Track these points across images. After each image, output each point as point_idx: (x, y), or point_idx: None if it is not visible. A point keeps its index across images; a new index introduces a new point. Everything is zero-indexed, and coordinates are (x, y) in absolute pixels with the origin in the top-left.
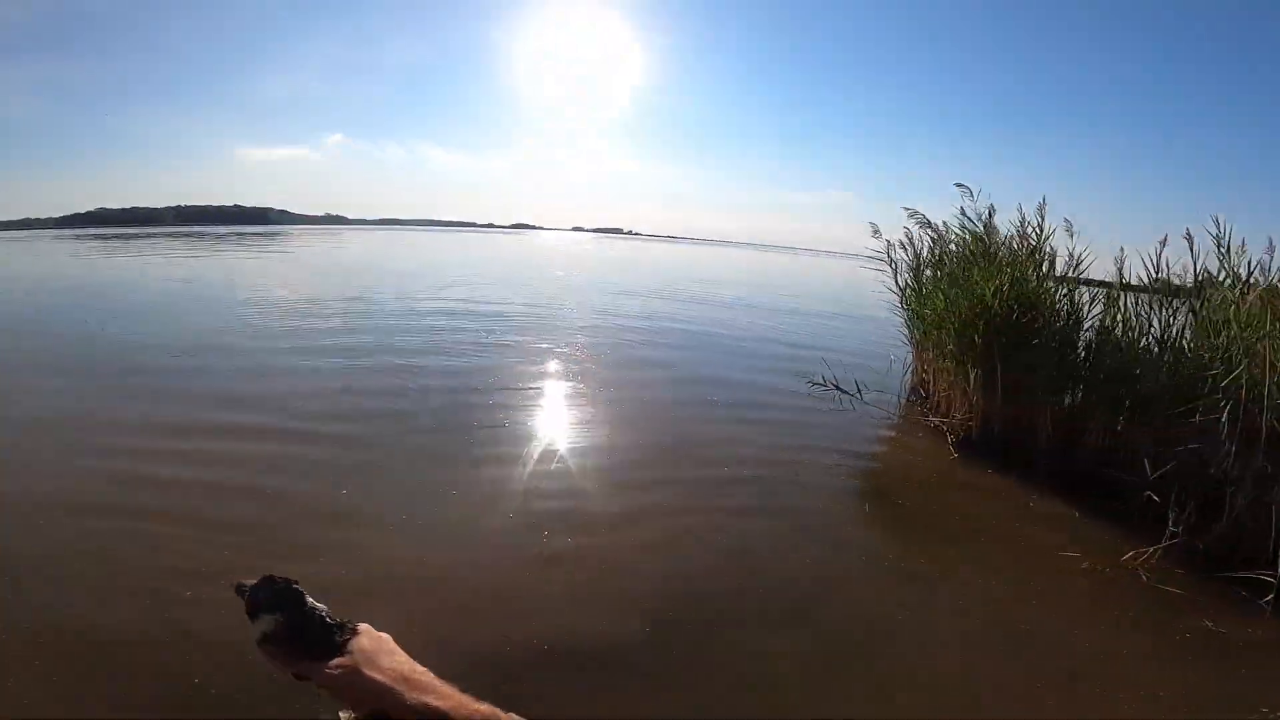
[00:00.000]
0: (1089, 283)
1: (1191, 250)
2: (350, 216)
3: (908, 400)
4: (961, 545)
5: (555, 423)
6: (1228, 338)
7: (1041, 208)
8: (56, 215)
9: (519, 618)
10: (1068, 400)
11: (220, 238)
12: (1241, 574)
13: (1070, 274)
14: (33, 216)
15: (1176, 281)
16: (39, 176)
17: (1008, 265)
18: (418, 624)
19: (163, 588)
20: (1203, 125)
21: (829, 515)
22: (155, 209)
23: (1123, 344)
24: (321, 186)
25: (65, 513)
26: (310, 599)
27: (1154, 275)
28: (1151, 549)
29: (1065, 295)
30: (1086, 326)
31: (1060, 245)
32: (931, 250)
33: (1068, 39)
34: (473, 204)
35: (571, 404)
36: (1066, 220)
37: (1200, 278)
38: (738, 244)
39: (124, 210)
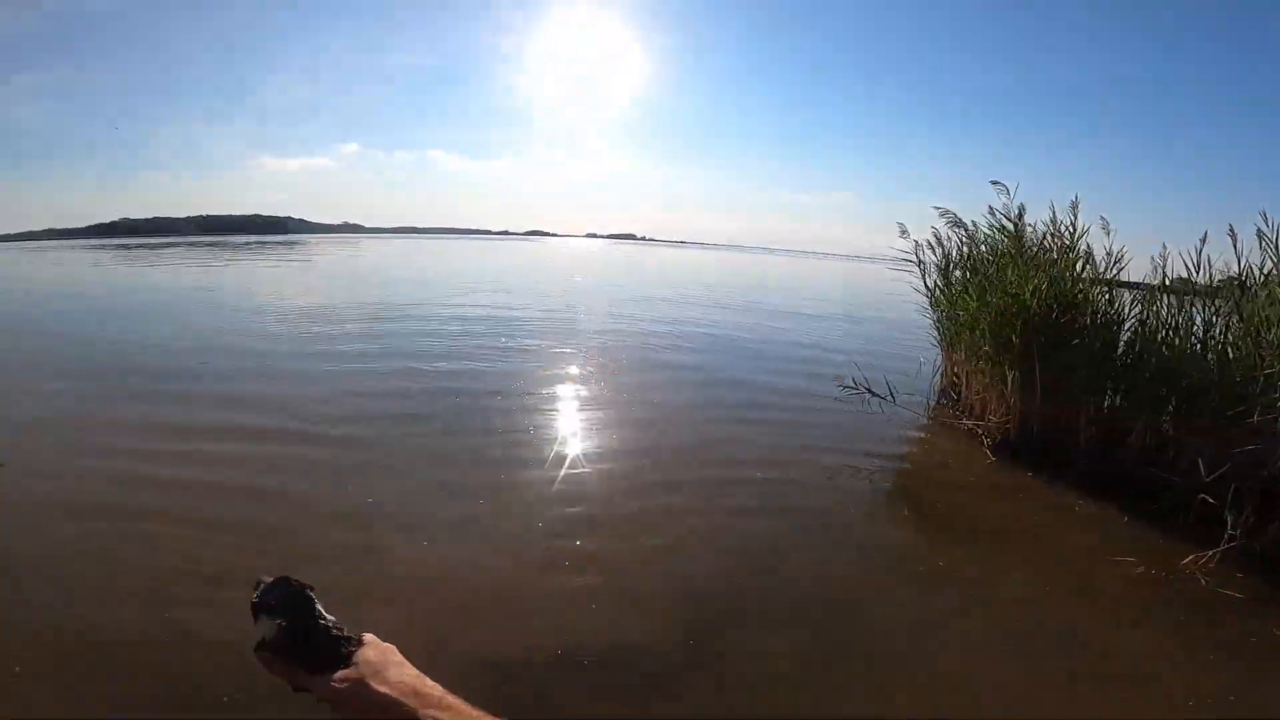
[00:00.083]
0: (1121, 284)
1: (1235, 247)
2: (367, 225)
3: (937, 402)
4: (1010, 551)
5: (575, 426)
6: (1278, 336)
7: (1075, 205)
8: (81, 225)
9: (526, 619)
10: (1108, 401)
11: (240, 247)
12: None
13: (1108, 273)
14: (57, 227)
15: (1198, 280)
16: (62, 187)
17: (1046, 265)
18: (424, 626)
19: (161, 588)
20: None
21: (867, 520)
22: (177, 219)
23: (1166, 343)
24: (338, 195)
25: (66, 514)
26: (320, 608)
27: (1194, 272)
28: (1210, 553)
29: (1104, 294)
30: (1127, 325)
31: (1092, 243)
32: (960, 249)
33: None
34: (487, 211)
35: (593, 407)
36: (1103, 218)
37: (1244, 275)
38: (748, 248)
39: (147, 220)
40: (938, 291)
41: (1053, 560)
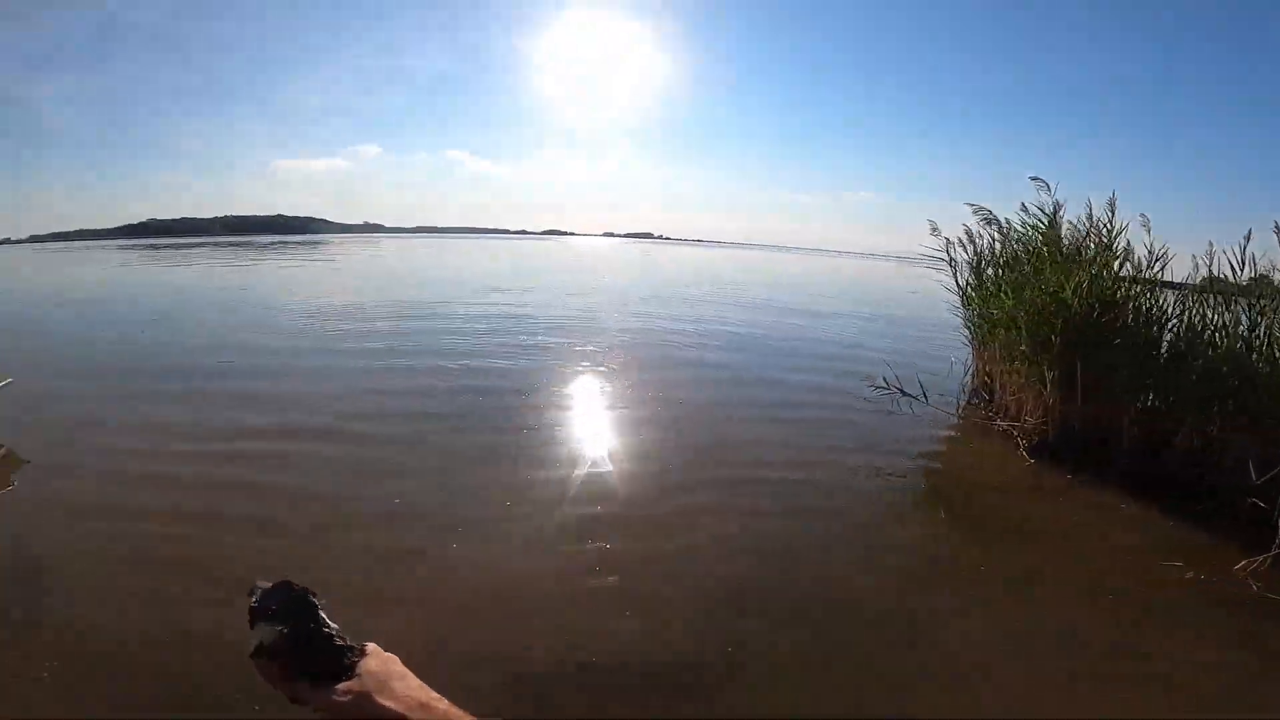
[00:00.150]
0: (1161, 283)
1: None
2: (388, 225)
3: (968, 403)
4: (1055, 556)
5: (597, 425)
6: None
7: (1112, 203)
8: (111, 226)
9: (550, 623)
10: (1150, 401)
11: (265, 247)
12: None
13: (1149, 272)
14: (88, 228)
15: (1241, 278)
16: (93, 189)
17: (1088, 262)
18: (449, 629)
19: (162, 587)
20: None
21: (901, 523)
22: (203, 219)
23: (1211, 343)
24: (359, 196)
25: (92, 512)
26: (323, 615)
27: (1238, 270)
28: (1261, 557)
29: (1146, 292)
30: (1170, 325)
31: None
32: (991, 247)
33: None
34: (505, 211)
35: (616, 406)
36: (1143, 216)
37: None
38: (763, 246)
39: (175, 221)
40: (969, 289)
41: (1098, 565)
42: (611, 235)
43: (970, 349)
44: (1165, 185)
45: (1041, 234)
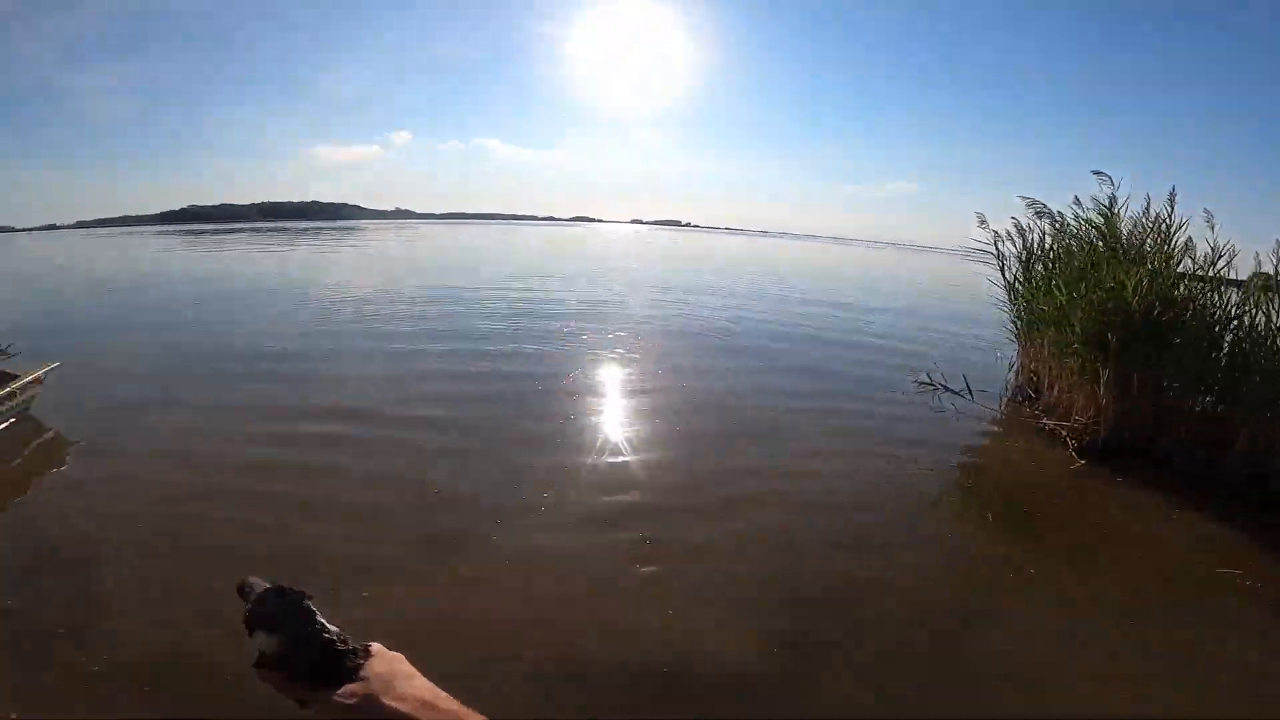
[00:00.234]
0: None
1: None
2: (418, 211)
3: (1012, 400)
4: (1108, 559)
5: (633, 411)
6: None
7: (1171, 198)
8: (154, 213)
9: (592, 623)
10: (1209, 402)
11: (301, 233)
12: None
13: (1212, 270)
14: (131, 214)
15: None
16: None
17: (1148, 258)
18: (479, 621)
19: (205, 572)
20: None
21: (948, 520)
22: (241, 205)
23: (1276, 345)
24: (390, 183)
25: (113, 494)
26: (320, 619)
27: None
28: None
29: (1208, 291)
30: (1232, 325)
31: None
32: (1040, 242)
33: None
34: (532, 197)
35: (648, 393)
36: (1206, 211)
37: None
38: (795, 235)
39: (214, 207)
40: (1016, 284)
41: (1154, 570)
42: (639, 222)
43: (1016, 345)
44: (1235, 180)
45: (1097, 228)
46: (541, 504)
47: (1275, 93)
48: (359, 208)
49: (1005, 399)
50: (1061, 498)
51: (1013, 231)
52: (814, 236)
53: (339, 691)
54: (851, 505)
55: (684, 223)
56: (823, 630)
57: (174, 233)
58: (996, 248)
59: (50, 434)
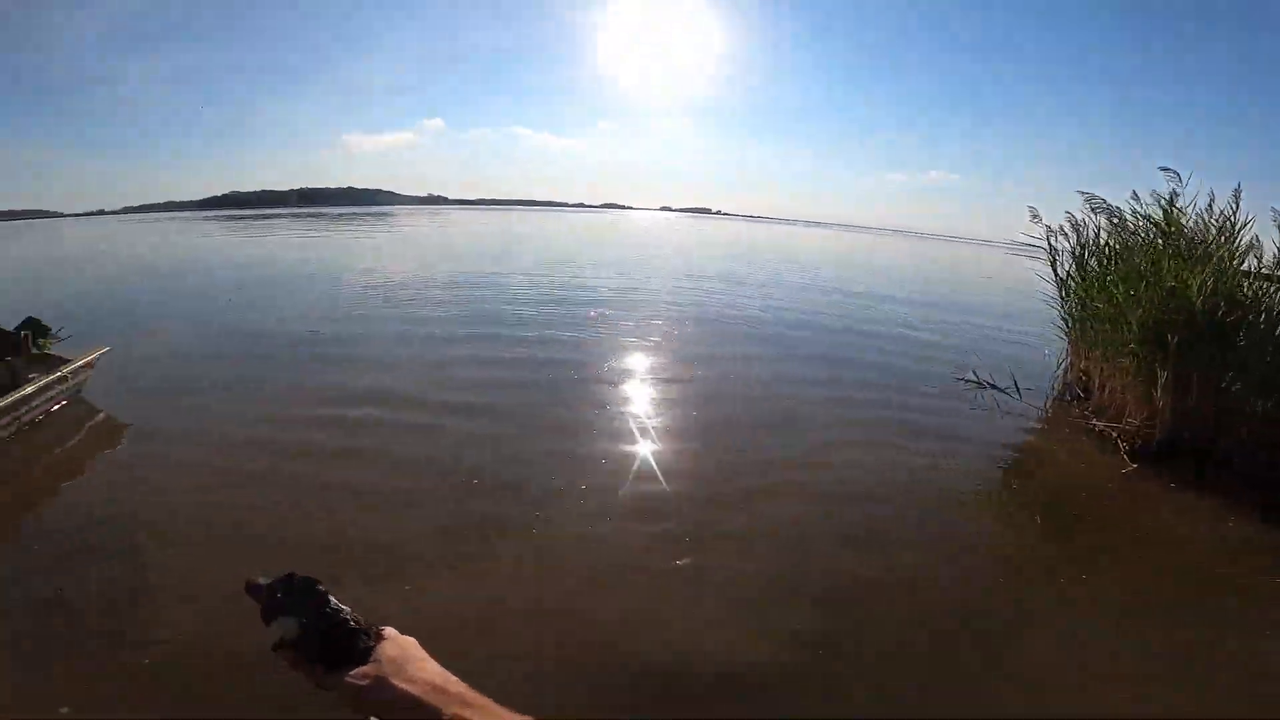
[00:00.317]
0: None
1: None
2: (450, 197)
3: (1059, 399)
4: (1163, 566)
5: (663, 399)
6: None
7: (1237, 194)
8: (196, 199)
9: (615, 616)
10: (1270, 406)
11: (337, 218)
12: None
13: None
14: (175, 200)
15: None
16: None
17: (1214, 256)
18: (513, 613)
19: (253, 556)
20: None
21: (991, 521)
22: (280, 191)
23: None
24: (423, 169)
25: (163, 476)
26: (334, 600)
27: None
28: None
29: (1276, 290)
30: None
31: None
32: (1095, 237)
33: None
34: (563, 184)
35: (678, 383)
36: (1275, 210)
37: None
38: (823, 224)
39: (254, 193)
40: (1069, 280)
41: (1213, 580)
42: (669, 210)
43: (1065, 343)
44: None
45: (1158, 225)
46: (579, 494)
47: None
48: (393, 193)
49: (1051, 398)
50: (1111, 500)
51: (1066, 227)
52: (849, 226)
53: (351, 673)
54: (882, 499)
55: (714, 210)
56: (856, 626)
57: (215, 218)
58: (1049, 243)
59: (101, 416)
